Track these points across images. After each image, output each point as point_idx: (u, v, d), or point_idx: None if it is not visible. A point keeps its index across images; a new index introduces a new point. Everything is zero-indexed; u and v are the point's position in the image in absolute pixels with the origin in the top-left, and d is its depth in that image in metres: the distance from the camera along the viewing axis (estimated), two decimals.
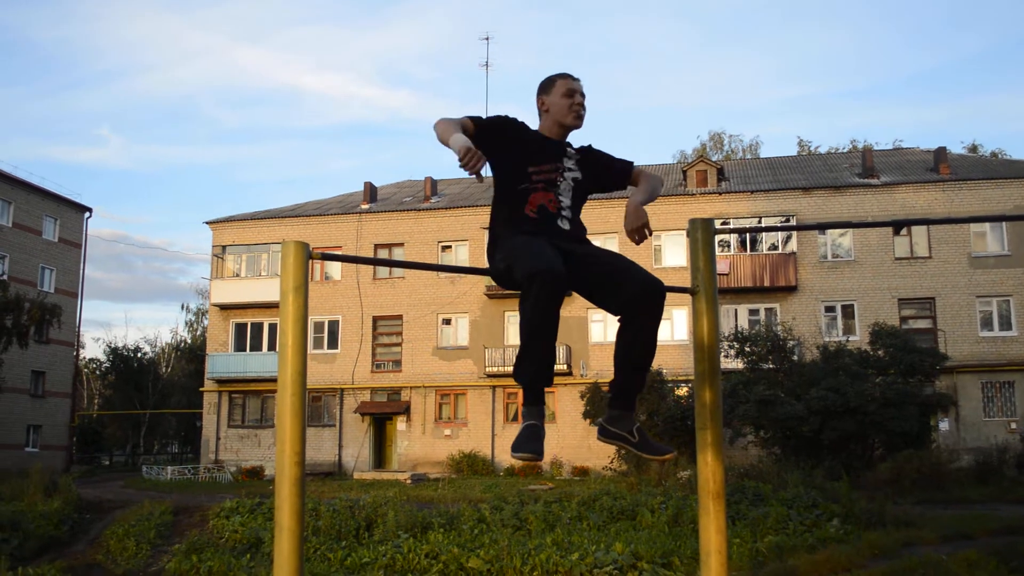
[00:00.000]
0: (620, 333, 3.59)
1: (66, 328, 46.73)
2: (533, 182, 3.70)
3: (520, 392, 3.58)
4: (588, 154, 3.92)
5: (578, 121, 3.85)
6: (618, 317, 3.60)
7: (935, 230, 35.94)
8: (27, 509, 18.87)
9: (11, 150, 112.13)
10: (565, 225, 3.71)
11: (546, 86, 3.85)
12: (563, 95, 3.81)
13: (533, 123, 3.89)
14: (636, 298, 3.53)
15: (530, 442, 3.40)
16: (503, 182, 3.75)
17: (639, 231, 3.62)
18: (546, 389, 3.51)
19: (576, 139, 3.95)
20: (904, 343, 26.17)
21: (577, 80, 3.87)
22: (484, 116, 3.78)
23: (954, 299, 35.41)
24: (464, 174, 3.46)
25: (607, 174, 3.93)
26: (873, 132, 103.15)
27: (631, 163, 3.97)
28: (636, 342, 3.57)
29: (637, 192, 3.78)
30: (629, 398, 3.68)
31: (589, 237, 3.78)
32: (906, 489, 20.51)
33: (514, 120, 3.84)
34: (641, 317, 3.55)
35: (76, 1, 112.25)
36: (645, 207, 3.68)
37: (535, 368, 3.42)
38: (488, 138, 3.67)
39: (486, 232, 3.81)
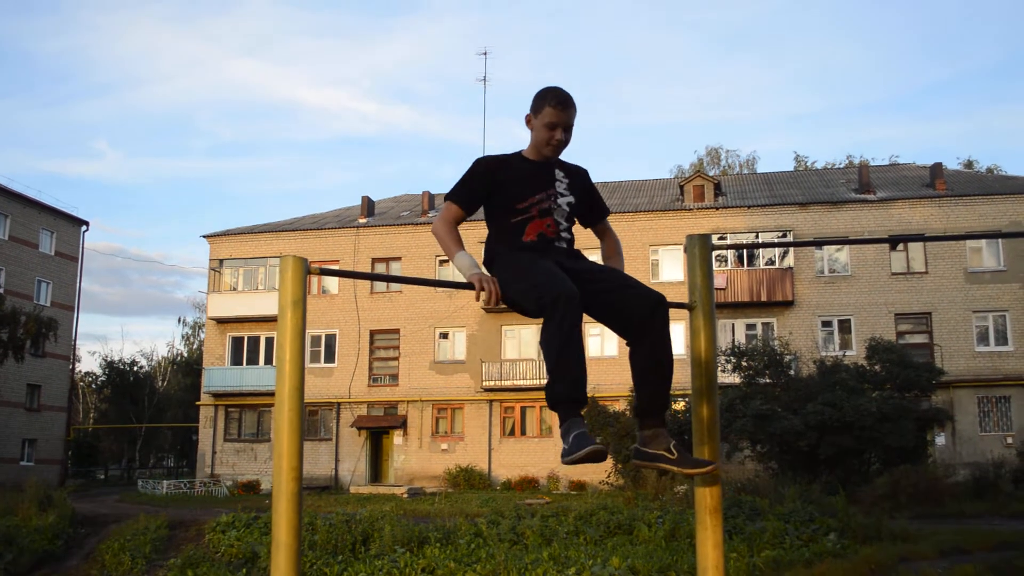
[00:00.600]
0: (634, 353, 3.55)
1: (62, 342, 46.69)
2: (528, 214, 3.67)
3: (541, 409, 3.60)
4: (581, 179, 3.86)
5: (555, 153, 3.74)
6: (627, 341, 3.57)
7: (931, 245, 36.05)
8: (22, 524, 18.80)
9: (8, 163, 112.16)
10: (563, 245, 3.71)
11: (537, 105, 3.70)
12: (545, 125, 3.67)
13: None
14: (643, 320, 3.51)
15: (589, 441, 3.27)
16: (497, 219, 3.73)
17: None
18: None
19: (572, 156, 3.86)
20: (901, 358, 26.19)
21: (566, 110, 3.68)
22: (462, 182, 3.73)
23: (950, 314, 35.47)
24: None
25: (589, 212, 3.90)
26: (869, 148, 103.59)
27: (608, 211, 3.97)
28: (653, 357, 3.52)
29: (615, 262, 3.89)
30: (659, 415, 3.56)
31: (589, 251, 3.77)
32: (903, 504, 20.50)
33: (492, 162, 3.75)
34: (651, 335, 3.51)
35: (73, 13, 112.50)
36: None
37: (570, 386, 3.36)
38: (477, 199, 3.71)
39: (483, 247, 3.80)
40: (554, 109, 3.66)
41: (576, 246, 3.76)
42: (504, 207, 3.70)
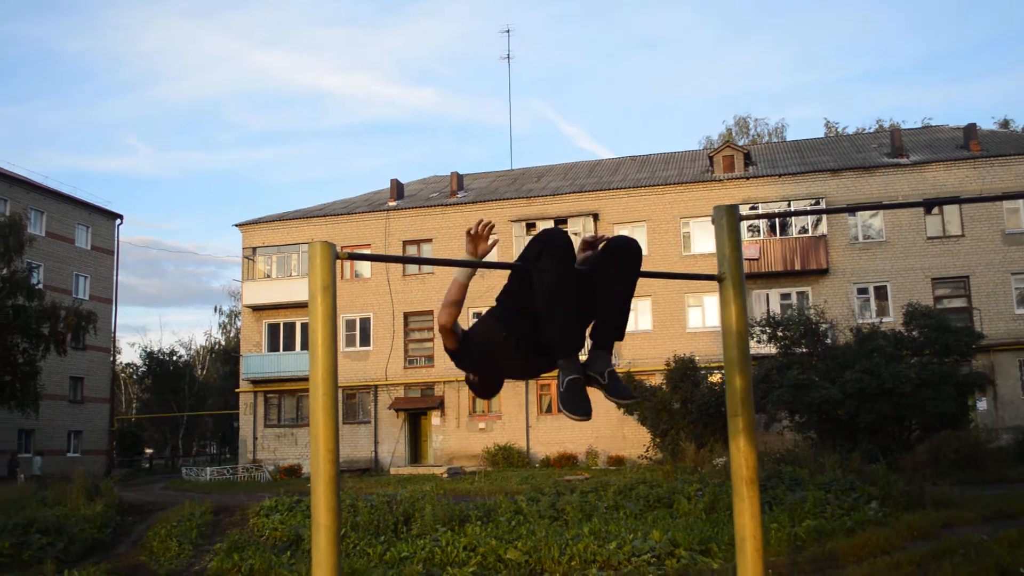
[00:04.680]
0: (602, 279, 3.76)
1: (102, 334, 47.31)
2: None
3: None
4: None
5: None
6: (601, 265, 3.80)
7: (968, 208, 35.55)
8: (71, 513, 19.12)
9: (42, 161, 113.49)
10: None
11: None
12: None
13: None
14: (619, 248, 3.76)
15: (579, 402, 3.62)
16: None
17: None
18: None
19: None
20: (939, 323, 25.89)
21: None
22: None
23: (988, 277, 35.02)
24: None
25: None
26: (901, 111, 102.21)
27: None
28: (617, 283, 3.75)
29: None
30: (606, 338, 3.81)
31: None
32: (944, 470, 20.35)
33: None
34: (624, 267, 3.75)
35: (99, 13, 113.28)
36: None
37: (561, 335, 3.62)
38: None
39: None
40: None
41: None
42: None
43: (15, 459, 40.66)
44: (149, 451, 61.68)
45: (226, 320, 71.45)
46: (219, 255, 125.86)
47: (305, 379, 37.42)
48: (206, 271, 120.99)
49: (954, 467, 20.80)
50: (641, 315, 36.79)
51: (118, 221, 52.08)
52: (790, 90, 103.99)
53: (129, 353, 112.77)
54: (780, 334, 26.81)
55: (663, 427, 28.54)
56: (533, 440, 37.55)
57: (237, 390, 43.42)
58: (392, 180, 44.09)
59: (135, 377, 68.89)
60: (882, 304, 35.83)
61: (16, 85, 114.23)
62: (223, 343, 69.51)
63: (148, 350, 61.75)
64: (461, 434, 38.75)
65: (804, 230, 37.00)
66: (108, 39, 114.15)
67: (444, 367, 39.27)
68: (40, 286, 40.27)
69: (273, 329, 41.99)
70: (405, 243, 41.04)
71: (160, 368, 60.63)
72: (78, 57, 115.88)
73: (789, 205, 36.97)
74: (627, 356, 35.73)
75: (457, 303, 3.88)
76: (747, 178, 38.16)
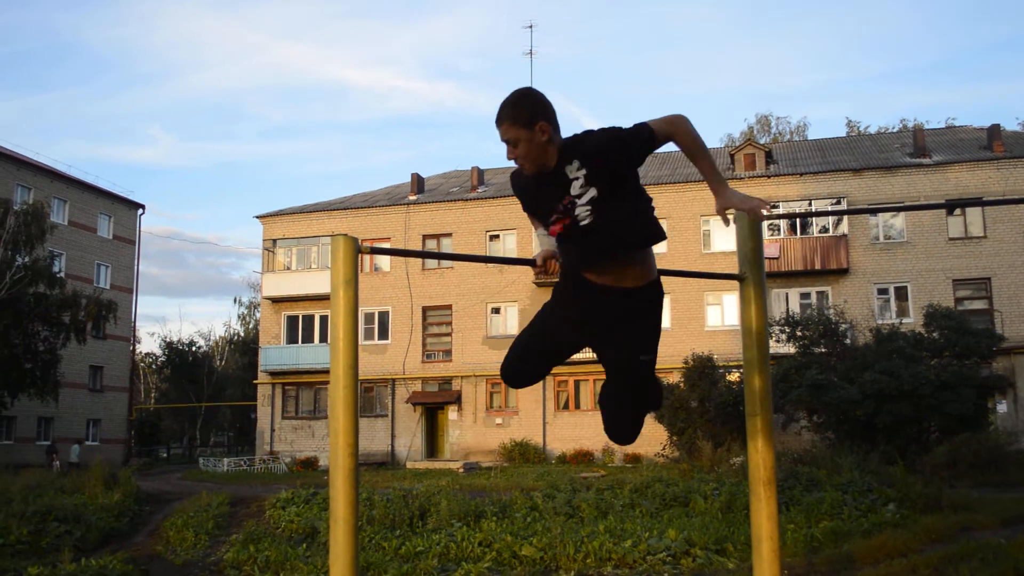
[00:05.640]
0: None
1: (122, 323, 47.60)
2: (552, 220, 3.58)
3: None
4: (595, 157, 3.43)
5: (529, 170, 3.55)
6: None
7: (990, 209, 35.30)
8: (89, 502, 19.22)
9: (66, 150, 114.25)
10: (589, 221, 3.50)
11: None
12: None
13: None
14: (606, 413, 4.09)
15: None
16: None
17: (756, 214, 3.45)
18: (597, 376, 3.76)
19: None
20: (959, 324, 25.69)
21: (498, 127, 3.50)
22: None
23: (1011, 279, 34.76)
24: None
25: (627, 160, 3.46)
26: (924, 111, 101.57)
27: (645, 128, 3.45)
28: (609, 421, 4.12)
29: (711, 182, 3.52)
30: None
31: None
32: (963, 473, 20.21)
33: (514, 181, 3.74)
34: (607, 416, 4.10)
35: (126, 5, 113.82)
36: (725, 185, 3.48)
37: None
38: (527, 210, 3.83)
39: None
40: (497, 129, 3.53)
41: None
42: (537, 216, 3.74)
43: (53, 446, 41.05)
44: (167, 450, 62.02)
45: (245, 311, 71.82)
46: (239, 246, 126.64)
47: (323, 371, 37.56)
48: (226, 262, 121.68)
49: (973, 470, 20.65)
50: (664, 310, 36.71)
51: (140, 211, 52.39)
52: (812, 89, 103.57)
53: (149, 343, 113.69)
54: (799, 334, 26.70)
55: (680, 425, 28.47)
56: (550, 436, 37.55)
57: (255, 381, 43.61)
58: (413, 174, 44.16)
59: (154, 367, 69.32)
60: (902, 305, 35.63)
61: (42, 74, 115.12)
62: (242, 334, 69.79)
63: (167, 340, 62.16)
64: (478, 429, 38.79)
65: (825, 229, 36.83)
66: (133, 30, 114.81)
67: (462, 362, 39.32)
68: (62, 274, 40.57)
69: (292, 321, 42.14)
70: (425, 237, 41.10)
71: (179, 358, 60.96)
72: (103, 48, 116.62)
73: (810, 204, 36.80)
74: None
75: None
76: (768, 176, 38.01)
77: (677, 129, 3.45)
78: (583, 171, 3.43)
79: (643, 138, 3.41)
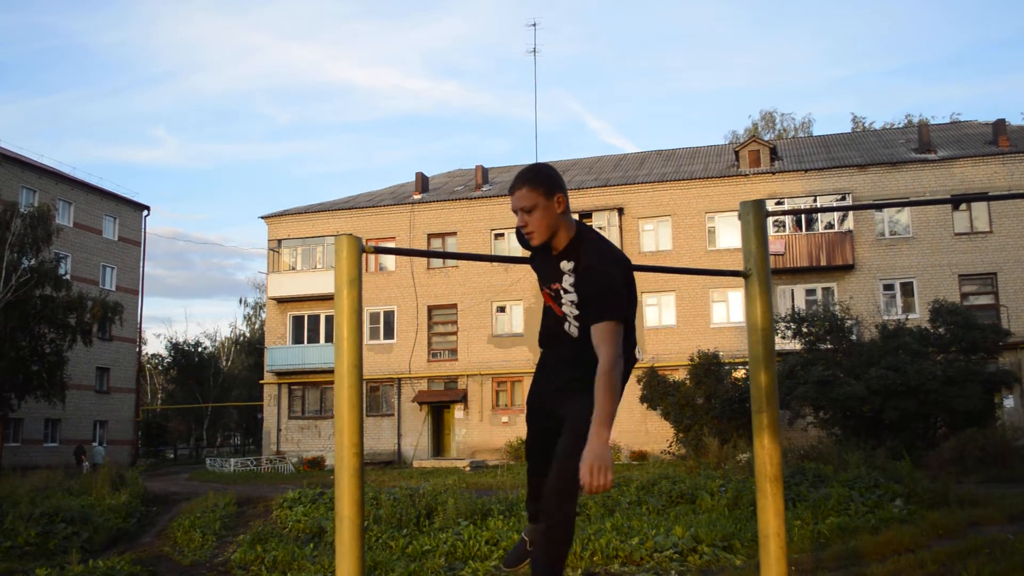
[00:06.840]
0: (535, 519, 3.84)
1: (128, 325, 47.69)
2: (543, 289, 3.69)
3: None
4: (590, 277, 3.44)
5: (535, 242, 3.55)
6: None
7: (996, 204, 35.23)
8: (96, 503, 19.25)
9: (70, 152, 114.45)
10: (573, 331, 3.58)
11: None
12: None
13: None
14: (543, 509, 3.56)
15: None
16: None
17: (585, 480, 3.31)
18: None
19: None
20: (965, 320, 25.65)
21: (512, 195, 3.55)
22: None
23: (1017, 274, 34.68)
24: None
25: (586, 304, 3.46)
26: (929, 106, 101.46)
27: (608, 317, 3.32)
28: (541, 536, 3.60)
29: (595, 414, 3.39)
30: None
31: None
32: (970, 468, 20.18)
33: (519, 234, 3.72)
34: (545, 520, 3.54)
35: (131, 6, 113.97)
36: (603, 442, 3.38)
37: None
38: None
39: None
40: (512, 196, 3.57)
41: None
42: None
43: (81, 447, 41.16)
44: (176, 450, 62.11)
45: (251, 312, 71.96)
46: (245, 247, 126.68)
47: (329, 371, 37.61)
48: (232, 263, 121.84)
49: (980, 465, 20.62)
50: (665, 310, 36.73)
51: (145, 212, 52.44)
52: (817, 85, 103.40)
53: (155, 344, 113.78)
54: (805, 330, 26.68)
55: (686, 422, 28.45)
56: None
57: (261, 382, 43.68)
58: (417, 173, 44.17)
59: (160, 368, 69.44)
60: (908, 300, 35.57)
61: (47, 77, 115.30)
62: (248, 335, 69.93)
63: (173, 341, 62.31)
64: (484, 428, 38.80)
65: (830, 225, 36.77)
66: (137, 31, 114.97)
67: (467, 361, 39.33)
68: (67, 276, 40.61)
69: (298, 321, 42.18)
70: (430, 236, 41.11)
71: (185, 359, 61.09)
72: (108, 49, 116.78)
73: (815, 200, 36.76)
74: (651, 351, 35.66)
75: None
76: (773, 173, 37.96)
77: (608, 359, 3.27)
78: (573, 275, 3.51)
79: (599, 308, 3.37)
